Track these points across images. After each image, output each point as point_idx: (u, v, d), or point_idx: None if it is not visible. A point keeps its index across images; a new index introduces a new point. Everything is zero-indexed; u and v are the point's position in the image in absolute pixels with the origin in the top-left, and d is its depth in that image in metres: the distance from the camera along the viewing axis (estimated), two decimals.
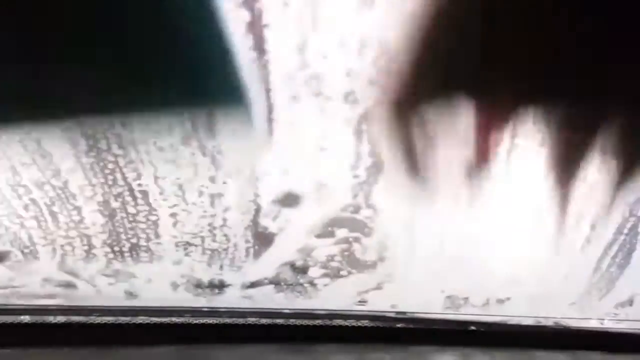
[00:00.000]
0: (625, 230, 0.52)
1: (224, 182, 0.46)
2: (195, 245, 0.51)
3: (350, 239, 0.51)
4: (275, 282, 0.55)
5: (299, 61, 0.38)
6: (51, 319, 0.57)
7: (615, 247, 0.53)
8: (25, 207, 0.46)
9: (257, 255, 0.52)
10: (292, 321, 0.60)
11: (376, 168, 0.45)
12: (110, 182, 0.45)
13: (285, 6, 0.35)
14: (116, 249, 0.50)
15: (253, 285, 0.55)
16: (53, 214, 0.47)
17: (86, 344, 0.58)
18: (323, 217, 0.49)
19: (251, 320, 0.60)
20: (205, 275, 0.54)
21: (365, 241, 0.51)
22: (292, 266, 0.53)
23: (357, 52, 0.38)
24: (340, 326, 0.61)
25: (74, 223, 0.48)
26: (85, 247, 0.50)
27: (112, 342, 0.58)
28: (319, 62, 0.39)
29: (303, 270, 0.54)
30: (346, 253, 0.52)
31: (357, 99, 0.41)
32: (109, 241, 0.49)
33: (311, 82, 0.40)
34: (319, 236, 0.51)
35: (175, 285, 0.55)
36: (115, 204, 0.46)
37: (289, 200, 0.47)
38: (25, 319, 0.57)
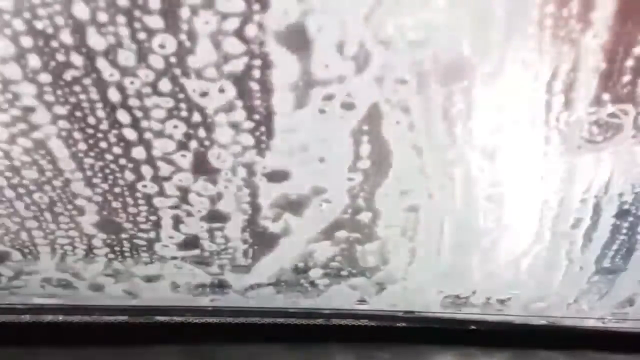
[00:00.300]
0: (624, 230, 0.52)
1: (225, 186, 0.46)
2: (196, 246, 0.51)
3: (351, 240, 0.51)
4: (276, 282, 0.55)
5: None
6: (51, 318, 0.57)
7: (614, 247, 0.54)
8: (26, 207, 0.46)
9: (257, 257, 0.52)
10: (292, 320, 0.61)
11: (377, 169, 0.46)
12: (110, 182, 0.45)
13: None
14: (116, 249, 0.51)
15: (254, 285, 0.55)
16: (53, 214, 0.47)
17: (87, 343, 0.59)
18: (324, 219, 0.50)
19: (252, 319, 0.60)
20: (206, 276, 0.54)
21: (366, 242, 0.52)
22: (293, 267, 0.54)
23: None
24: (341, 325, 0.62)
25: (74, 223, 0.48)
26: (85, 247, 0.50)
27: (113, 341, 0.59)
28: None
29: (304, 271, 0.54)
30: (346, 253, 0.53)
31: (355, 104, 0.42)
32: (109, 241, 0.50)
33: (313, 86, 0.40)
34: (319, 238, 0.51)
35: (175, 286, 0.55)
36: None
37: (289, 202, 0.48)
38: (26, 318, 0.57)
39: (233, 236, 0.50)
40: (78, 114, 0.40)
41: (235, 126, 0.42)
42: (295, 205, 0.48)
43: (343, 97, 0.41)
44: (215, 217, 0.48)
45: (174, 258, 0.52)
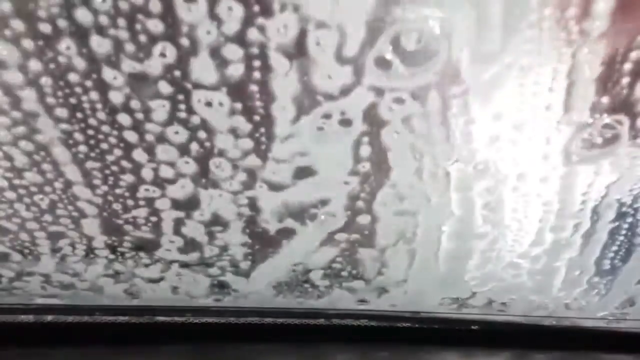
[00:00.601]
0: (623, 232, 0.53)
1: (221, 195, 0.47)
2: (197, 250, 0.52)
3: (352, 242, 0.52)
4: (277, 285, 0.56)
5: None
6: (52, 318, 0.57)
7: (614, 248, 0.54)
8: (27, 208, 0.47)
9: (258, 260, 0.53)
10: (293, 320, 0.61)
11: (376, 171, 0.46)
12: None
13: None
14: (118, 250, 0.51)
15: (255, 288, 0.56)
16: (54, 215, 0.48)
17: (87, 343, 0.58)
18: (324, 225, 0.50)
19: (253, 319, 0.61)
20: (207, 280, 0.55)
21: (365, 245, 0.52)
22: (293, 270, 0.54)
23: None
24: (342, 325, 0.62)
25: (75, 224, 0.48)
26: (86, 248, 0.51)
27: (114, 342, 0.59)
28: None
29: (304, 272, 0.55)
30: (347, 253, 0.53)
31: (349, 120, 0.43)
32: (109, 242, 0.50)
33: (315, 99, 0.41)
34: (320, 245, 0.52)
35: (175, 288, 0.56)
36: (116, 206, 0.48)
37: (290, 209, 0.49)
38: (26, 318, 0.57)
39: (233, 241, 0.51)
40: (79, 115, 0.41)
41: (234, 132, 0.43)
42: (295, 212, 0.49)
43: (343, 108, 0.42)
44: (216, 222, 0.49)
45: (175, 261, 0.52)
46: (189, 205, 0.48)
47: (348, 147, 0.44)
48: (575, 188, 0.49)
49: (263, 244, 0.51)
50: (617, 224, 0.52)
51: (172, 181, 0.46)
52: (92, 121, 0.42)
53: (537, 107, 0.43)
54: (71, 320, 0.58)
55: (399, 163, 0.46)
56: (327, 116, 0.42)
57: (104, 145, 0.43)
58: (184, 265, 0.53)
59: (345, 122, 0.43)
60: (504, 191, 0.49)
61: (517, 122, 0.44)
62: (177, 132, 0.42)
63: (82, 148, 0.43)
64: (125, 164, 0.44)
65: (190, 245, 0.51)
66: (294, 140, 0.43)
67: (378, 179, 0.47)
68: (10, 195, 0.46)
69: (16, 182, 0.45)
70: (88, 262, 0.52)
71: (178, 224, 0.49)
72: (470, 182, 0.48)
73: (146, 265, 0.52)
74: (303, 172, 0.46)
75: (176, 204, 0.48)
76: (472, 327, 0.64)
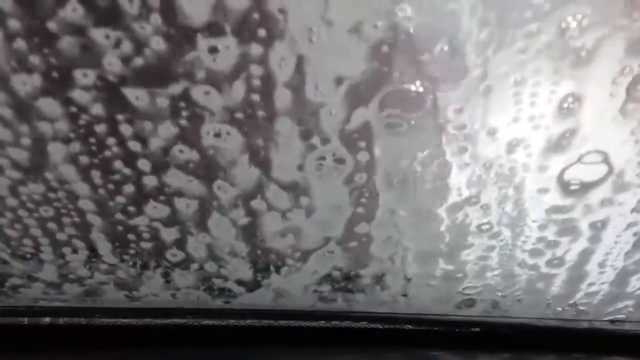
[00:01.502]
0: (623, 236, 0.54)
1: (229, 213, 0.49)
2: (197, 262, 0.54)
3: (352, 247, 0.53)
4: (278, 292, 0.58)
5: None
6: (51, 321, 0.59)
7: (615, 251, 0.56)
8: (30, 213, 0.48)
9: (263, 276, 0.55)
10: (292, 323, 0.63)
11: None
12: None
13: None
14: (121, 258, 0.53)
15: (256, 292, 0.57)
16: (57, 221, 0.49)
17: (87, 346, 0.60)
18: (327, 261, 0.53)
19: (253, 321, 0.62)
20: (208, 297, 0.57)
21: (366, 250, 0.54)
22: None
23: None
24: (342, 327, 0.63)
25: (76, 228, 0.50)
26: (88, 253, 0.52)
27: (113, 344, 0.60)
28: None
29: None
30: (347, 255, 0.54)
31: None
32: (112, 250, 0.52)
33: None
34: (319, 262, 0.54)
35: (174, 296, 0.58)
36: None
37: (292, 230, 0.51)
38: (25, 321, 0.58)
39: (236, 261, 0.53)
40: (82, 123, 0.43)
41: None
42: (296, 230, 0.51)
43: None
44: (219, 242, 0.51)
45: (177, 271, 0.54)
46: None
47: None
48: (572, 198, 0.51)
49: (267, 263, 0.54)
50: (617, 228, 0.53)
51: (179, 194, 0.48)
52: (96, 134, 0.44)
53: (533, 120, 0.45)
54: (71, 323, 0.59)
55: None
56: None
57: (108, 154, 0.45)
58: (188, 285, 0.56)
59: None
60: (498, 203, 0.51)
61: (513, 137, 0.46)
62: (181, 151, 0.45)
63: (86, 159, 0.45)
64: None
65: (192, 259, 0.53)
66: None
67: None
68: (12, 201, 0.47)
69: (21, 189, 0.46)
70: (89, 268, 0.53)
71: (181, 236, 0.51)
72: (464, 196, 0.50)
73: (149, 278, 0.54)
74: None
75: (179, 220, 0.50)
76: (473, 329, 0.65)
